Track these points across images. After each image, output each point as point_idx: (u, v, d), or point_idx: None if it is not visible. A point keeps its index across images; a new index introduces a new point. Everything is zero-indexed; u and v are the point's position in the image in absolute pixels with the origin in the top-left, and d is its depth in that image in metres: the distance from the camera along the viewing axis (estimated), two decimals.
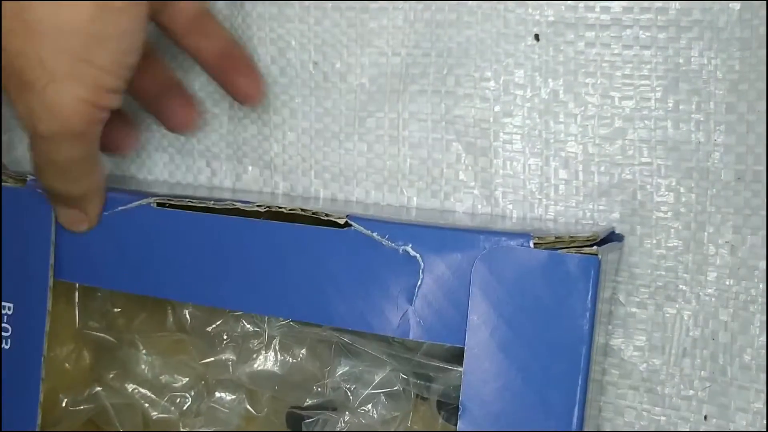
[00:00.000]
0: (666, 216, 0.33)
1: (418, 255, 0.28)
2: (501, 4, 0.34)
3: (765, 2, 0.31)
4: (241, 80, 0.36)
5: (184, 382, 0.37)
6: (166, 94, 0.37)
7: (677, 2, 0.32)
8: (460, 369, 0.28)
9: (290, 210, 0.30)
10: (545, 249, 0.27)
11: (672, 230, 0.33)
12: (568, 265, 0.27)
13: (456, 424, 0.28)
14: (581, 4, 0.33)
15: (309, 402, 0.34)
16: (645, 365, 0.33)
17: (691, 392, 0.32)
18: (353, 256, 0.29)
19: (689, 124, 0.32)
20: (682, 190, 0.33)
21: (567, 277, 0.27)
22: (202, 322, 0.35)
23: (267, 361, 0.34)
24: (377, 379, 0.33)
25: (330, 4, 0.36)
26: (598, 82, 0.33)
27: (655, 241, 0.33)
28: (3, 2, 0.27)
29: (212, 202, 0.32)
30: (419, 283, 0.28)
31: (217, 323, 0.35)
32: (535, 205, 0.34)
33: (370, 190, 0.37)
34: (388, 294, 0.29)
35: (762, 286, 0.31)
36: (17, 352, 0.34)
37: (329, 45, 0.37)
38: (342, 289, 0.29)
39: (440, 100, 0.35)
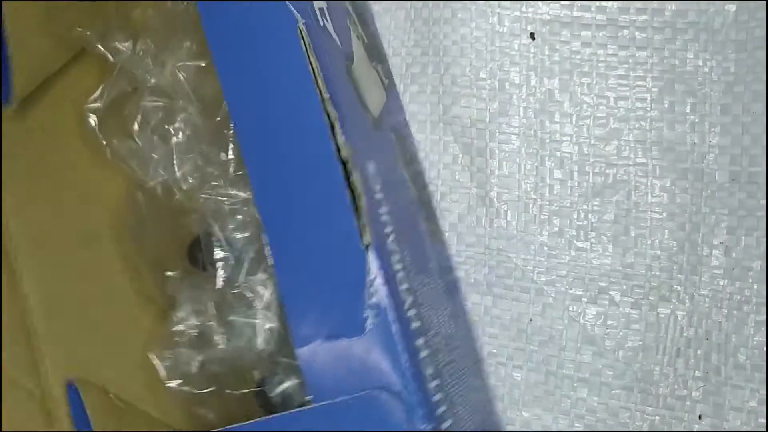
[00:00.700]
0: (661, 216, 0.33)
1: None
2: (495, 1, 0.34)
3: (761, 4, 0.31)
4: None
5: None
6: None
7: (673, 4, 0.32)
8: None
9: None
10: None
11: (666, 231, 0.33)
12: None
13: None
14: (577, 3, 0.33)
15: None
16: (638, 365, 0.33)
17: (685, 392, 0.33)
18: None
19: (684, 125, 0.33)
20: (676, 191, 0.33)
21: None
22: None
23: None
24: None
25: None
26: (594, 82, 0.33)
27: (649, 242, 0.33)
28: None
29: None
30: None
31: None
32: (530, 205, 0.34)
33: None
34: None
35: (756, 286, 0.31)
36: None
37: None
38: None
39: (438, 100, 0.35)
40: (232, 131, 0.33)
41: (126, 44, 0.34)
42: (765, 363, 0.31)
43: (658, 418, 0.33)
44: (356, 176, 0.24)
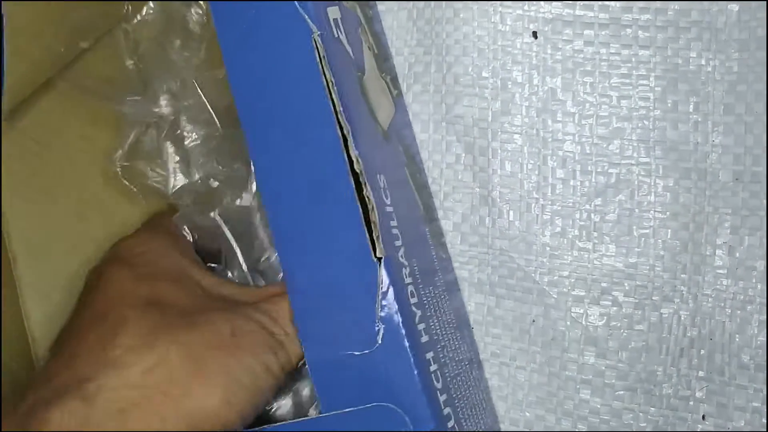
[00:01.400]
0: (664, 216, 0.33)
1: None
2: (497, 1, 0.34)
3: (763, 3, 0.31)
4: None
5: None
6: None
7: (676, 3, 0.32)
8: None
9: None
10: None
11: (669, 230, 0.33)
12: None
13: None
14: (579, 2, 0.33)
15: None
16: (642, 366, 0.33)
17: (689, 392, 0.32)
18: None
19: (687, 124, 0.32)
20: (680, 190, 0.33)
21: None
22: None
23: None
24: None
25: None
26: (596, 81, 0.33)
27: (652, 242, 0.33)
28: None
29: None
30: None
31: None
32: (532, 204, 0.34)
33: None
34: None
35: (760, 286, 0.31)
36: None
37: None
38: None
39: (441, 100, 0.35)
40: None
41: (137, 98, 0.34)
42: (767, 363, 0.31)
43: (661, 418, 0.33)
44: (368, 190, 0.25)
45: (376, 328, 0.24)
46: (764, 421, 0.31)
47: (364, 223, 0.25)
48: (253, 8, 0.26)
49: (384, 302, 0.24)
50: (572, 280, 0.34)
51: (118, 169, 0.34)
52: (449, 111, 0.35)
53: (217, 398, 0.25)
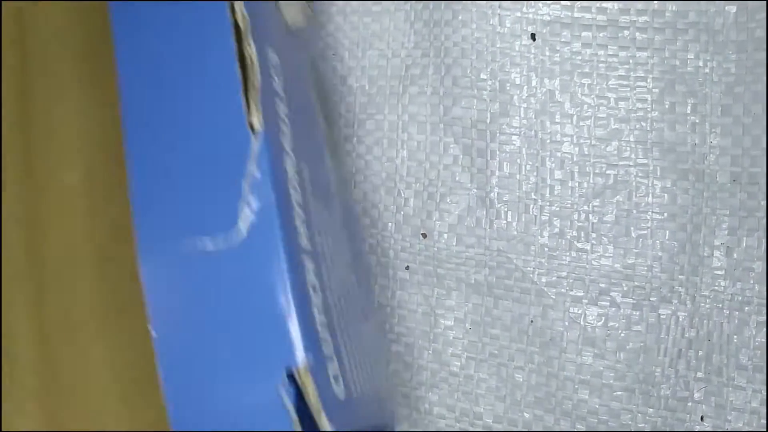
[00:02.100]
0: (662, 217, 0.33)
1: None
2: (496, 3, 0.34)
3: (762, 5, 0.31)
4: None
5: None
6: None
7: (673, 4, 0.32)
8: None
9: None
10: None
11: (667, 232, 0.33)
12: None
13: None
14: (577, 4, 0.33)
15: None
16: (640, 367, 0.33)
17: (687, 393, 0.32)
18: None
19: (685, 125, 0.33)
20: (677, 191, 0.33)
21: None
22: None
23: None
24: None
25: (334, 8, 0.36)
26: (595, 82, 0.33)
27: (650, 243, 0.33)
28: None
29: None
30: None
31: None
32: (531, 205, 0.34)
33: (368, 192, 0.37)
34: None
35: (758, 287, 0.31)
36: None
37: (331, 48, 0.37)
38: None
39: (438, 102, 0.35)
40: None
41: None
42: (766, 364, 0.31)
43: (659, 419, 0.33)
44: (252, 49, 0.20)
45: (238, 209, 0.18)
46: (763, 422, 0.31)
47: (243, 82, 0.19)
48: None
49: (252, 178, 0.18)
50: (570, 281, 0.34)
51: None
52: (447, 113, 0.35)
53: None
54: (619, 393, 0.33)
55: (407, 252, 0.36)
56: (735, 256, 0.32)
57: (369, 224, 0.36)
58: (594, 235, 0.34)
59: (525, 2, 0.34)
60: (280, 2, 0.27)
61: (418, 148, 0.35)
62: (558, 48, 0.34)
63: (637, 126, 0.33)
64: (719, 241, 0.32)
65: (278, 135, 0.21)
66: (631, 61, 0.33)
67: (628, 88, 0.33)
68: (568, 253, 0.34)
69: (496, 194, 0.34)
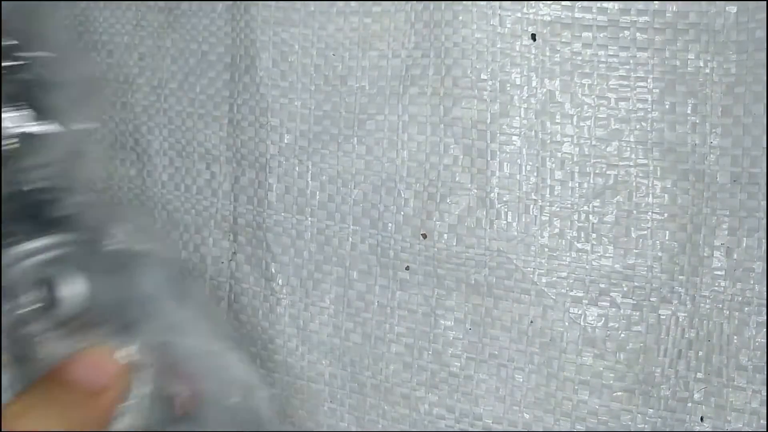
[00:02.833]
0: (662, 218, 0.33)
1: None
2: (496, 3, 0.34)
3: (762, 5, 0.31)
4: None
5: None
6: None
7: (674, 5, 0.32)
8: None
9: None
10: None
11: (667, 232, 0.33)
12: None
13: None
14: (578, 4, 0.33)
15: None
16: (640, 367, 0.33)
17: (687, 394, 0.32)
18: None
19: (685, 126, 0.32)
20: (677, 192, 0.33)
21: None
22: None
23: None
24: None
25: (335, 8, 0.36)
26: (595, 83, 0.33)
27: (650, 243, 0.33)
28: None
29: None
30: None
31: None
32: (531, 206, 0.34)
33: (368, 192, 0.37)
34: None
35: (758, 287, 0.31)
36: None
37: (332, 48, 0.37)
38: None
39: (439, 102, 0.35)
40: None
41: None
42: (766, 364, 0.31)
43: (659, 420, 0.33)
44: None
45: None
46: (763, 422, 0.31)
47: None
48: None
49: None
50: (570, 281, 0.34)
51: None
52: (447, 113, 0.35)
53: None
54: (619, 393, 0.33)
55: (407, 252, 0.36)
56: (735, 256, 0.32)
57: (369, 224, 0.36)
58: (594, 235, 0.34)
59: (525, 2, 0.34)
60: None
61: (419, 149, 0.35)
62: (558, 48, 0.34)
63: (638, 126, 0.33)
64: (719, 241, 0.32)
65: None
66: (631, 61, 0.33)
67: (629, 89, 0.33)
68: (568, 254, 0.34)
69: (496, 195, 0.34)
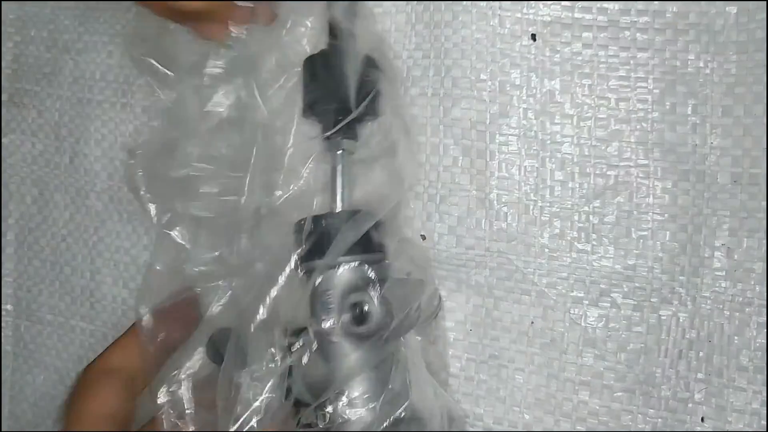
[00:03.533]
0: (662, 218, 0.33)
1: None
2: (496, 3, 0.34)
3: (762, 5, 0.31)
4: None
5: None
6: None
7: (674, 5, 0.32)
8: None
9: None
10: None
11: (668, 232, 0.33)
12: None
13: None
14: (578, 4, 0.33)
15: None
16: (640, 368, 0.33)
17: (688, 394, 0.32)
18: None
19: (686, 126, 0.32)
20: (678, 192, 0.33)
21: None
22: None
23: None
24: None
25: None
26: (595, 83, 0.33)
27: (651, 244, 0.33)
28: None
29: None
30: None
31: None
32: (531, 206, 0.34)
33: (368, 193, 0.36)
34: None
35: (758, 288, 0.31)
36: None
37: None
38: None
39: (439, 103, 0.35)
40: None
41: None
42: (767, 365, 0.31)
43: (660, 420, 0.33)
44: None
45: None
46: (763, 423, 0.31)
47: None
48: None
49: None
50: (571, 282, 0.34)
51: None
52: (447, 114, 0.35)
53: None
54: (620, 394, 0.33)
55: None
56: (736, 257, 0.32)
57: None
58: (594, 235, 0.33)
59: (525, 3, 0.34)
60: None
61: (419, 150, 0.35)
62: (558, 49, 0.34)
63: (638, 127, 0.33)
64: (720, 242, 0.32)
65: None
66: (631, 61, 0.33)
67: (629, 89, 0.33)
68: (568, 254, 0.34)
69: (495, 195, 0.34)
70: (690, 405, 0.32)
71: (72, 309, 0.41)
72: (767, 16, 0.31)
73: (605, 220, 0.33)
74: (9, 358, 0.43)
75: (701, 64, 0.32)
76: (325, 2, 0.33)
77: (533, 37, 0.34)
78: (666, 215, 0.33)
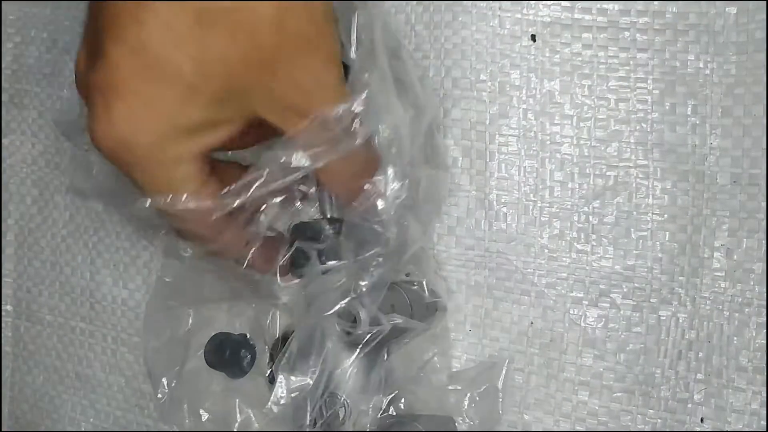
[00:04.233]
0: (662, 219, 0.33)
1: None
2: (496, 4, 0.34)
3: (762, 6, 0.31)
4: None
5: None
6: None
7: (674, 6, 0.32)
8: None
9: None
10: None
11: (667, 233, 0.33)
12: None
13: None
14: (577, 5, 0.33)
15: None
16: (640, 368, 0.33)
17: (687, 395, 0.32)
18: None
19: (685, 127, 0.32)
20: (677, 193, 0.33)
21: None
22: None
23: None
24: None
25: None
26: (595, 84, 0.33)
27: (650, 244, 0.33)
28: None
29: None
30: None
31: None
32: (530, 207, 0.34)
33: None
34: None
35: (758, 288, 0.31)
36: None
37: None
38: None
39: (439, 104, 0.35)
40: None
41: None
42: (766, 365, 0.31)
43: (659, 420, 0.33)
44: None
45: None
46: (763, 423, 0.31)
47: None
48: None
49: None
50: (570, 282, 0.34)
51: None
52: (447, 114, 0.35)
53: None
54: (619, 394, 0.33)
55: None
56: (735, 257, 0.32)
57: None
58: (594, 236, 0.33)
59: (525, 3, 0.34)
60: None
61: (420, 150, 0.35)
62: (558, 49, 0.34)
63: (638, 127, 0.33)
64: (719, 242, 0.32)
65: None
66: (631, 62, 0.33)
67: (629, 90, 0.33)
68: (568, 255, 0.34)
69: (495, 196, 0.34)
70: (689, 405, 0.32)
71: (72, 309, 0.41)
72: (767, 16, 0.31)
73: (605, 220, 0.33)
74: (9, 358, 0.43)
75: (701, 65, 0.32)
76: None
77: (533, 37, 0.34)
78: (665, 216, 0.33)
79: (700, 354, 0.32)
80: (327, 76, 0.25)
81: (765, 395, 0.31)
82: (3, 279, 0.43)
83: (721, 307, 0.32)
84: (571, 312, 0.34)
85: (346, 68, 0.28)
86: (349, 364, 0.30)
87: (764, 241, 0.31)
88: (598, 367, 0.33)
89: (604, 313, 0.33)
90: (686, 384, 0.32)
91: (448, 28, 0.35)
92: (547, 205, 0.34)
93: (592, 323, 0.33)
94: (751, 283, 0.32)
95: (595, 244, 0.33)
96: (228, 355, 0.34)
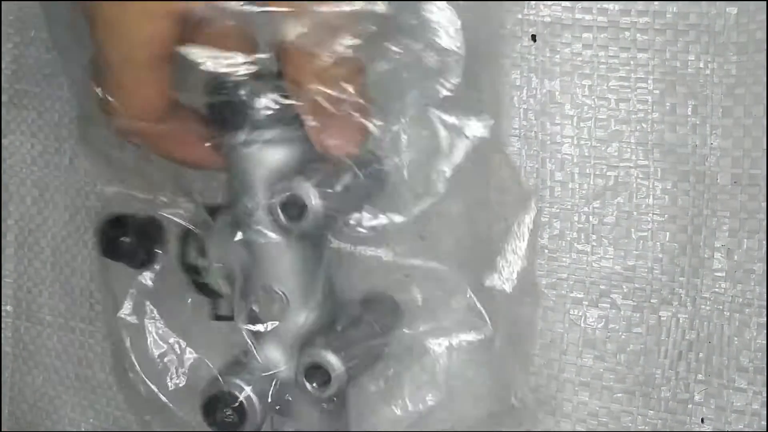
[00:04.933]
0: (662, 219, 0.33)
1: None
2: (496, 4, 0.34)
3: (762, 6, 0.31)
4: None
5: None
6: None
7: (674, 6, 0.32)
8: None
9: None
10: None
11: (668, 233, 0.33)
12: None
13: None
14: (578, 5, 0.33)
15: None
16: (640, 369, 0.33)
17: (687, 395, 0.32)
18: None
19: (686, 127, 0.32)
20: (678, 193, 0.33)
21: None
22: None
23: None
24: None
25: None
26: (595, 83, 0.33)
27: (651, 245, 0.33)
28: None
29: None
30: None
31: None
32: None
33: None
34: None
35: (758, 289, 0.31)
36: None
37: None
38: None
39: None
40: None
41: None
42: (767, 365, 0.31)
43: (660, 421, 0.33)
44: None
45: None
46: (763, 423, 0.31)
47: None
48: None
49: None
50: (571, 283, 0.34)
51: None
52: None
53: None
54: (620, 395, 0.33)
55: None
56: (736, 258, 0.32)
57: None
58: (594, 236, 0.33)
59: (526, 3, 0.34)
60: None
61: (420, 151, 0.35)
62: (558, 49, 0.34)
63: (638, 127, 0.33)
64: (720, 242, 0.32)
65: None
66: (631, 62, 0.33)
67: (629, 90, 0.33)
68: (568, 255, 0.34)
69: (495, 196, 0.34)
70: (690, 406, 0.32)
71: (72, 310, 0.41)
72: (767, 16, 0.31)
73: (605, 220, 0.33)
74: (9, 359, 0.43)
75: (701, 65, 0.32)
76: None
77: (533, 37, 0.34)
78: (666, 216, 0.33)
79: (701, 354, 0.32)
80: None
81: (765, 396, 0.31)
82: (3, 279, 0.43)
83: (721, 307, 0.32)
84: (572, 312, 0.34)
85: None
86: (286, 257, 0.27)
87: (765, 242, 0.31)
88: (598, 368, 0.33)
89: (604, 313, 0.33)
90: (687, 384, 0.32)
91: None
92: (547, 205, 0.34)
93: (593, 324, 0.33)
94: (752, 284, 0.32)
95: (595, 244, 0.33)
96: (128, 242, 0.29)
